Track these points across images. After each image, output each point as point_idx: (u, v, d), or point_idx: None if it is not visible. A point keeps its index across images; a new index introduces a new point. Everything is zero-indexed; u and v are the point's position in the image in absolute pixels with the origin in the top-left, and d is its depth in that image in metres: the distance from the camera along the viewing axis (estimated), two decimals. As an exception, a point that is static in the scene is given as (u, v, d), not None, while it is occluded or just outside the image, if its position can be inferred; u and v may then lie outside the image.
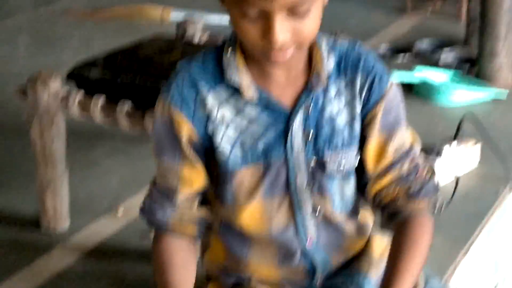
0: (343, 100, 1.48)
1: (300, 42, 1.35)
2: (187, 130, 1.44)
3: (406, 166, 1.51)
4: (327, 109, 1.47)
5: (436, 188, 1.54)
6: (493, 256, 2.88)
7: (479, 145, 3.04)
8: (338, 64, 1.48)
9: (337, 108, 1.48)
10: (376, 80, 1.47)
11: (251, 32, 1.33)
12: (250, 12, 1.31)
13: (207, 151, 1.48)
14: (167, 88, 1.45)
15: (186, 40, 2.99)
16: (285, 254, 1.56)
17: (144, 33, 4.89)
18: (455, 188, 2.81)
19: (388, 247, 1.51)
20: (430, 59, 4.21)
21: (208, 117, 1.45)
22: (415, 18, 5.01)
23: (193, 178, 1.48)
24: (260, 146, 1.46)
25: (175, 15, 5.04)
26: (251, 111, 1.45)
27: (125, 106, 2.46)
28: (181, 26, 3.11)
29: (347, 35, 4.62)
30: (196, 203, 1.52)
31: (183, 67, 1.47)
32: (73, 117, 2.56)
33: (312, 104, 1.46)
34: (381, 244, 1.64)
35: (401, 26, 4.84)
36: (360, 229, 1.59)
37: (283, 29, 1.32)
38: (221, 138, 1.45)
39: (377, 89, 1.47)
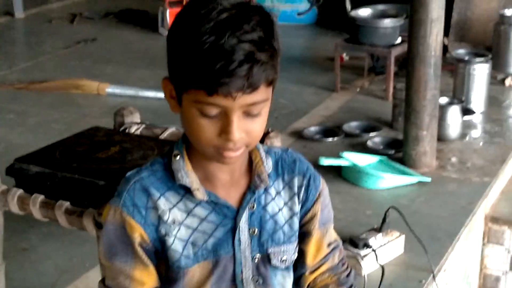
0: (282, 199, 1.65)
1: (250, 141, 1.50)
2: (139, 233, 1.54)
3: (336, 257, 1.73)
4: (268, 208, 1.62)
5: (355, 275, 1.79)
6: None
7: (403, 237, 3.18)
8: (275, 167, 1.64)
9: (278, 207, 1.64)
10: (311, 181, 1.66)
11: (209, 130, 1.45)
12: (210, 111, 1.43)
13: (157, 254, 1.57)
14: (118, 196, 1.55)
15: (124, 133, 3.07)
16: None
17: (79, 107, 5.03)
18: (382, 278, 2.94)
19: None
20: (357, 142, 4.38)
21: (159, 221, 1.55)
22: (344, 97, 5.20)
23: (145, 279, 1.57)
24: (210, 243, 1.57)
25: (111, 90, 5.13)
26: (201, 211, 1.56)
27: (64, 204, 2.52)
28: (119, 116, 3.18)
29: (279, 115, 4.78)
30: None
31: (133, 176, 1.57)
32: (12, 211, 2.62)
33: (255, 203, 1.60)
34: None
35: (330, 105, 5.02)
36: None
37: (239, 128, 1.45)
38: (173, 239, 1.56)
39: (313, 189, 1.66)
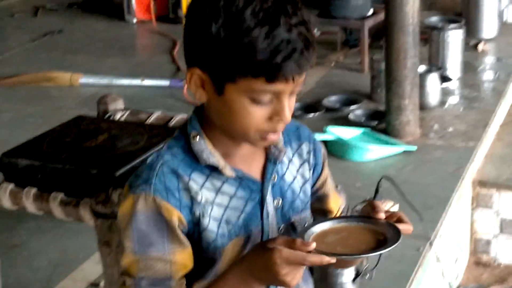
0: (295, 167, 1.64)
1: (289, 119, 1.48)
2: (177, 216, 1.49)
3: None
4: (286, 177, 1.61)
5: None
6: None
7: (397, 206, 3.17)
8: (282, 135, 1.60)
9: (292, 175, 1.63)
10: (317, 145, 1.68)
11: (258, 116, 1.45)
12: (263, 98, 1.43)
13: (189, 237, 1.53)
14: (145, 182, 1.49)
15: (110, 120, 3.01)
16: None
17: (54, 99, 4.95)
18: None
19: None
20: (339, 116, 4.36)
21: (192, 202, 1.51)
22: (320, 72, 5.17)
23: (187, 262, 1.52)
24: (241, 219, 1.55)
25: (84, 80, 5.05)
26: (229, 188, 1.54)
27: (58, 196, 2.47)
28: (102, 104, 3.12)
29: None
30: (184, 285, 1.55)
31: (156, 160, 1.51)
32: (5, 208, 2.55)
33: (275, 174, 1.58)
34: None
35: (307, 81, 4.96)
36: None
37: (289, 108, 1.45)
38: (209, 219, 1.52)
39: (319, 153, 1.68)
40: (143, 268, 1.50)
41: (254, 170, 1.58)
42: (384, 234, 1.47)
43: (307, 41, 1.42)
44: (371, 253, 1.44)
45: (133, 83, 4.96)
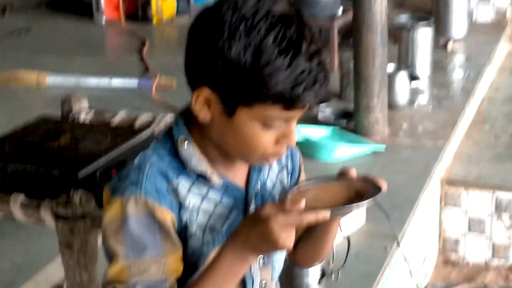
0: (274, 173, 1.62)
1: None
2: (170, 218, 1.46)
3: None
4: (267, 184, 1.60)
5: None
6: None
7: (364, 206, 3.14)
8: None
9: (272, 182, 1.61)
10: (294, 152, 1.67)
11: (267, 140, 1.43)
12: (275, 123, 1.42)
13: None
14: (133, 184, 1.45)
15: (73, 121, 2.96)
16: None
17: (19, 99, 4.88)
18: (348, 249, 2.90)
19: None
20: (308, 116, 4.34)
21: (180, 206, 1.48)
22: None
23: (178, 266, 1.49)
24: (225, 227, 1.52)
25: (52, 80, 4.99)
26: (214, 195, 1.51)
27: (19, 197, 2.42)
28: (66, 104, 3.08)
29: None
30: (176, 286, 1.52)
31: (144, 161, 1.49)
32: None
33: (259, 182, 1.57)
34: None
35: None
36: None
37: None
38: (196, 226, 1.50)
39: (296, 158, 1.67)
40: (136, 273, 1.46)
41: (238, 178, 1.56)
42: (362, 189, 1.49)
43: (326, 71, 1.42)
44: (361, 202, 1.45)
45: (101, 83, 4.90)
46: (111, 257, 1.48)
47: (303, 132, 3.86)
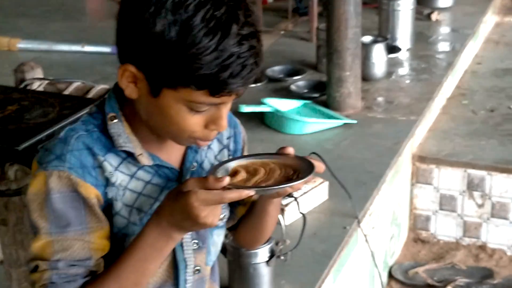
0: (212, 154, 1.57)
1: None
2: (95, 194, 1.41)
3: None
4: (204, 165, 1.54)
5: None
6: (343, 293, 2.92)
7: (326, 183, 3.06)
8: None
9: (210, 162, 1.56)
10: (237, 132, 1.62)
11: (194, 123, 1.37)
12: (202, 108, 1.35)
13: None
14: (58, 158, 1.39)
15: (24, 90, 2.87)
16: None
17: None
18: (303, 228, 2.82)
19: None
20: (281, 87, 4.24)
21: (107, 182, 1.42)
22: (268, 41, 5.02)
23: (104, 244, 1.44)
24: (154, 208, 1.45)
25: (23, 45, 4.89)
26: (144, 174, 1.46)
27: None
28: (19, 71, 2.98)
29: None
30: (102, 265, 1.46)
31: (70, 134, 1.42)
32: None
33: (195, 162, 1.52)
34: None
35: (254, 50, 4.83)
36: (214, 278, 1.70)
37: (226, 115, 1.39)
38: (121, 204, 1.44)
39: (239, 138, 1.62)
40: (59, 250, 1.40)
41: (173, 158, 1.50)
42: (297, 168, 1.43)
43: (257, 56, 1.34)
44: (288, 184, 1.39)
45: (74, 49, 4.81)
46: (34, 232, 1.42)
47: (272, 104, 3.75)
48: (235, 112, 3.68)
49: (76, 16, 5.77)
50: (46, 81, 2.98)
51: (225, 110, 1.38)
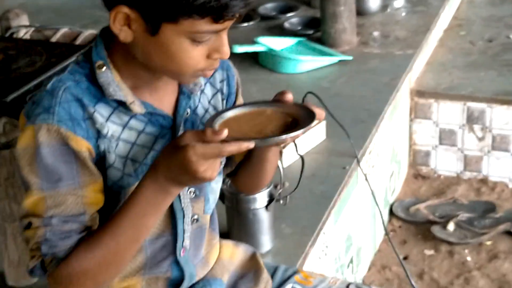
0: (206, 98, 1.54)
1: None
2: (86, 147, 1.37)
3: None
4: (198, 111, 1.52)
5: None
6: (345, 234, 2.88)
7: (324, 123, 3.00)
8: None
9: (204, 108, 1.54)
10: (230, 73, 1.59)
11: (198, 55, 1.34)
12: (205, 37, 1.32)
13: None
14: (46, 111, 1.35)
15: (10, 39, 2.79)
16: (153, 262, 1.54)
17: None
18: (302, 171, 2.76)
19: (234, 252, 1.76)
20: (274, 25, 4.14)
21: (98, 134, 1.38)
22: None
23: (98, 198, 1.41)
24: (150, 157, 1.44)
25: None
26: (137, 123, 1.42)
27: None
28: (4, 19, 2.91)
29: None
30: (97, 220, 1.43)
31: (57, 86, 1.38)
32: None
33: (189, 108, 1.49)
34: (228, 249, 1.78)
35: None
36: (213, 227, 1.69)
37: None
38: (114, 156, 1.41)
39: (232, 81, 1.59)
40: (52, 205, 1.36)
41: (165, 104, 1.46)
42: (297, 116, 1.40)
43: None
44: (288, 134, 1.35)
45: (61, -6, 4.69)
46: (26, 188, 1.38)
47: (265, 43, 3.66)
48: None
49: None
50: (32, 28, 2.90)
51: (226, 36, 1.36)
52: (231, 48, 3.62)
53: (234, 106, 1.56)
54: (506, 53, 4.00)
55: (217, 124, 1.39)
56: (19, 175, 1.39)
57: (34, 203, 1.37)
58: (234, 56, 3.53)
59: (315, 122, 1.41)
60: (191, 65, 1.36)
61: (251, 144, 1.32)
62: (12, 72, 2.48)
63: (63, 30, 2.87)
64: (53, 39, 2.81)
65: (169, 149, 1.33)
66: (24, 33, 2.85)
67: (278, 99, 1.48)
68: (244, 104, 1.51)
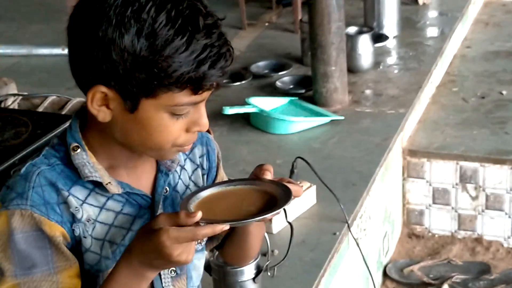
0: (186, 174, 1.51)
1: None
2: (60, 232, 1.34)
3: None
4: (178, 188, 1.49)
5: None
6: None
7: (314, 187, 2.98)
8: None
9: (185, 184, 1.51)
10: (210, 149, 1.56)
11: (177, 129, 1.32)
12: (184, 110, 1.31)
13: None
14: (19, 196, 1.32)
15: (-3, 108, 2.78)
16: None
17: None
18: (291, 239, 2.73)
19: None
20: (266, 84, 4.14)
21: (73, 219, 1.36)
22: (252, 34, 4.93)
23: (75, 283, 1.37)
24: (127, 238, 1.41)
25: (2, 50, 4.79)
26: (114, 204, 1.40)
27: None
28: (-8, 88, 2.90)
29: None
30: None
31: (31, 170, 1.35)
32: None
33: (167, 186, 1.46)
34: None
35: (237, 45, 4.73)
36: None
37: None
38: (91, 239, 1.38)
39: (212, 155, 1.56)
40: None
41: (143, 184, 1.43)
42: (274, 194, 1.38)
43: (227, 43, 1.31)
44: (263, 215, 1.33)
45: (54, 52, 4.70)
46: (0, 274, 1.34)
47: (256, 104, 3.65)
48: (219, 114, 3.62)
49: (56, 17, 5.64)
50: (20, 97, 2.89)
51: (204, 108, 1.35)
52: (222, 110, 3.62)
53: (210, 185, 1.54)
54: (499, 110, 3.99)
55: (192, 205, 1.37)
56: None
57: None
58: (225, 117, 3.57)
59: (291, 200, 1.40)
60: (170, 140, 1.34)
61: (225, 226, 1.29)
62: (-2, 144, 2.47)
63: (51, 98, 2.86)
64: (41, 108, 2.81)
65: (143, 232, 1.30)
66: (12, 101, 2.85)
67: (255, 176, 1.45)
68: (220, 183, 1.49)
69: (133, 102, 1.30)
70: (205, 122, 1.35)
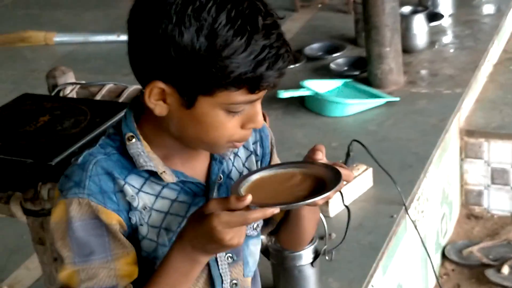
0: (240, 161, 1.52)
1: None
2: (117, 220, 1.37)
3: None
4: (232, 175, 1.50)
5: None
6: (394, 285, 2.83)
7: (370, 170, 2.97)
8: None
9: (238, 172, 1.51)
10: (264, 135, 1.56)
11: (232, 126, 1.34)
12: (240, 107, 1.32)
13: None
14: (77, 185, 1.35)
15: (57, 97, 2.82)
16: None
17: (27, 61, 4.75)
18: (348, 222, 2.73)
19: None
20: (321, 66, 4.13)
21: (130, 207, 1.39)
22: (305, 16, 4.92)
23: (132, 270, 1.40)
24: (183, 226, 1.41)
25: (59, 39, 4.86)
26: (170, 192, 1.42)
27: (-11, 191, 2.30)
28: (51, 77, 2.94)
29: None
30: None
31: (88, 159, 1.38)
32: None
33: (221, 174, 1.47)
34: None
35: (291, 27, 4.73)
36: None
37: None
38: (147, 227, 1.40)
39: (266, 141, 1.56)
40: (85, 279, 1.37)
41: (198, 172, 1.45)
42: (324, 178, 1.37)
43: (286, 43, 1.30)
44: (313, 198, 1.32)
45: (109, 39, 4.76)
46: (60, 261, 1.39)
47: (310, 86, 3.65)
48: (274, 98, 3.63)
49: (110, 3, 5.71)
50: (78, 85, 2.93)
51: (259, 106, 1.35)
52: (276, 93, 3.62)
53: (261, 168, 1.54)
54: (558, 87, 3.92)
55: (242, 189, 1.37)
56: (54, 248, 1.40)
57: (68, 276, 1.38)
58: (280, 100, 3.57)
59: (342, 184, 1.39)
60: (226, 136, 1.35)
61: (276, 210, 1.30)
62: (56, 133, 2.51)
63: (108, 86, 2.89)
64: (99, 96, 2.84)
65: (195, 218, 1.32)
66: (70, 90, 2.89)
67: (307, 159, 1.45)
68: (271, 166, 1.49)
69: (190, 98, 1.31)
70: (260, 119, 1.36)
